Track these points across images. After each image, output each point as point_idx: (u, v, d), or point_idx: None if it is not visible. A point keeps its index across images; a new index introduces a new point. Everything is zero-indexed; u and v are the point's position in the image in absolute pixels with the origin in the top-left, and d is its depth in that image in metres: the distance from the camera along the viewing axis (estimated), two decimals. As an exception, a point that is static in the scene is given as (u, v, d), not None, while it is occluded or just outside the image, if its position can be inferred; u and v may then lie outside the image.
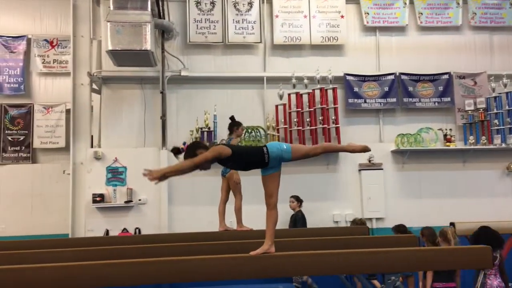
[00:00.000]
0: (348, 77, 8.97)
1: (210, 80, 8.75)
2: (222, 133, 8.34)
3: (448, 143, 8.87)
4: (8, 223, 8.51)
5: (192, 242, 4.85)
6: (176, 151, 3.93)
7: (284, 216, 7.62)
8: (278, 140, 8.52)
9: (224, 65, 8.83)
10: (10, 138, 8.99)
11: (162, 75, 8.38)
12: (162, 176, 3.63)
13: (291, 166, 8.46)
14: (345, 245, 4.40)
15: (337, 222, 8.54)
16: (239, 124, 6.11)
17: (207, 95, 8.69)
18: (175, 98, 8.66)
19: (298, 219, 7.79)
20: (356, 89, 8.95)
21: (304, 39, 8.90)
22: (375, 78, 9.03)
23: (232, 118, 6.21)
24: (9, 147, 8.96)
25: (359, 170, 8.77)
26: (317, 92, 8.60)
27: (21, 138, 9.03)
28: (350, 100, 8.94)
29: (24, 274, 3.45)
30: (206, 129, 8.33)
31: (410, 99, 9.05)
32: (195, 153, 3.74)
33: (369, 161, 8.76)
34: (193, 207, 8.11)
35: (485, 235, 5.22)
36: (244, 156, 3.89)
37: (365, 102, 8.97)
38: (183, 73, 8.53)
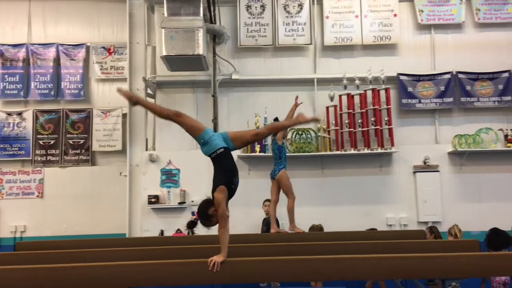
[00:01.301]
0: (402, 77, 8.75)
1: (261, 83, 8.80)
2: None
3: (509, 144, 8.45)
4: (69, 223, 8.93)
5: (243, 244, 4.89)
6: (193, 225, 3.95)
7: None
8: (329, 143, 8.44)
9: (274, 68, 8.86)
10: (71, 142, 9.43)
11: (214, 79, 8.52)
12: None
13: (342, 167, 8.47)
14: (400, 249, 4.29)
15: (390, 225, 8.34)
16: None
17: (258, 97, 8.75)
18: (226, 101, 8.78)
19: (270, 223, 7.57)
20: (410, 89, 8.72)
21: (355, 39, 8.77)
22: (430, 77, 8.75)
23: (276, 119, 6.26)
24: (70, 150, 9.40)
25: (414, 172, 8.53)
26: (369, 93, 8.45)
27: (81, 142, 9.45)
28: (404, 101, 8.72)
29: (84, 272, 3.60)
30: (257, 132, 8.35)
31: (468, 99, 8.70)
32: (208, 215, 3.78)
33: (425, 163, 8.50)
34: (245, 209, 8.16)
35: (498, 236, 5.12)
36: (230, 172, 3.96)
37: (419, 102, 8.72)
38: (234, 77, 8.64)
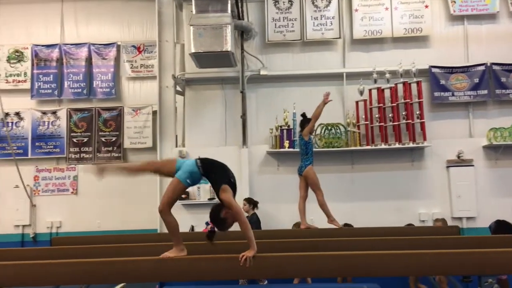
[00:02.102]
0: (434, 70, 8.55)
1: (289, 78, 8.76)
2: (302, 131, 8.34)
3: (547, 137, 8.16)
4: (102, 219, 9.14)
5: (274, 239, 4.89)
6: (212, 235, 3.94)
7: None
8: (359, 138, 8.34)
9: (302, 63, 8.81)
10: (103, 139, 9.63)
11: (242, 75, 8.54)
12: None
13: (373, 163, 8.36)
14: (435, 245, 4.21)
15: (423, 221, 8.19)
16: (309, 120, 6.06)
17: (286, 93, 8.71)
18: (254, 97, 8.78)
19: (251, 223, 7.42)
20: (442, 81, 8.51)
21: (385, 32, 8.63)
22: (464, 69, 8.52)
23: (303, 115, 6.22)
24: (102, 148, 9.59)
25: (447, 167, 8.34)
26: (400, 86, 8.30)
27: (113, 139, 9.64)
28: (436, 94, 8.52)
29: (118, 267, 3.67)
30: (286, 127, 8.35)
31: (503, 91, 8.44)
32: (222, 219, 3.79)
33: (458, 157, 8.30)
34: (275, 205, 8.17)
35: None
36: (222, 169, 3.99)
37: (452, 95, 8.50)
38: (262, 72, 8.63)
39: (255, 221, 7.48)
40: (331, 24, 8.67)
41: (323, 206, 5.93)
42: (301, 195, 6.10)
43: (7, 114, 9.43)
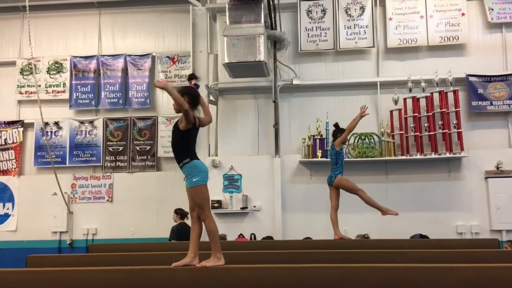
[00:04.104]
0: (471, 78, 8.35)
1: (322, 87, 8.73)
2: (335, 141, 8.27)
3: None
4: (137, 226, 9.27)
5: (305, 249, 4.85)
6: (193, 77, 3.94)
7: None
8: (394, 148, 8.20)
9: (335, 72, 8.76)
10: (138, 148, 9.81)
11: (275, 85, 8.56)
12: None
13: (408, 173, 8.19)
14: (473, 259, 4.07)
15: (461, 233, 7.96)
16: (342, 130, 6.01)
17: (319, 102, 8.68)
18: (287, 107, 8.78)
19: (174, 231, 7.64)
20: (480, 90, 8.30)
21: (420, 41, 8.49)
22: (503, 78, 8.29)
23: (336, 125, 6.18)
24: (137, 156, 9.77)
25: (486, 178, 8.09)
26: (436, 96, 8.13)
27: (147, 148, 9.80)
28: (474, 103, 8.31)
29: (155, 275, 3.69)
30: (318, 137, 8.31)
31: (545, 100, 8.15)
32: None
33: (497, 168, 8.04)
34: (307, 214, 8.12)
35: None
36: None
37: (491, 104, 8.28)
38: (295, 82, 8.63)
39: (173, 230, 7.67)
40: (365, 33, 8.60)
41: (370, 201, 5.89)
42: (332, 205, 6.05)
43: (46, 124, 9.73)
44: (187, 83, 9.33)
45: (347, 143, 8.23)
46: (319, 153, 8.24)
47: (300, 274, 3.54)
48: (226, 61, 7.67)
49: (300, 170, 8.49)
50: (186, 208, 4.23)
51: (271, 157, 8.50)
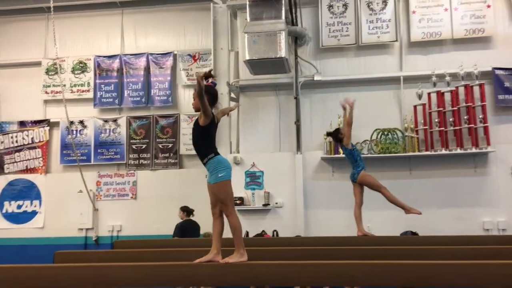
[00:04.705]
0: (498, 71, 8.15)
1: (344, 83, 8.65)
2: (357, 136, 8.20)
3: None
4: (160, 223, 9.36)
5: (328, 246, 4.83)
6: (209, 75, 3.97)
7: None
8: (418, 143, 8.08)
9: (357, 67, 8.67)
10: (160, 146, 9.91)
11: (296, 81, 8.52)
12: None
13: (432, 169, 8.06)
14: (500, 255, 3.98)
15: (487, 230, 7.79)
16: (339, 130, 6.33)
17: (341, 98, 8.55)
18: (308, 103, 8.74)
19: (178, 227, 7.91)
20: (507, 84, 8.10)
21: (445, 34, 8.33)
22: (530, 70, 8.07)
23: (329, 133, 6.32)
24: (160, 154, 9.87)
25: (513, 173, 7.91)
26: (461, 90, 7.97)
27: (170, 146, 9.89)
28: (500, 97, 8.12)
29: (177, 270, 3.73)
30: (341, 133, 8.23)
31: None
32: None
33: (525, 163, 7.85)
34: (330, 211, 8.07)
35: None
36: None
37: (518, 97, 8.07)
38: (316, 78, 8.57)
39: (177, 227, 7.92)
40: (387, 27, 8.48)
41: (393, 201, 5.86)
42: (356, 202, 6.02)
43: (72, 123, 9.91)
44: (204, 82, 9.43)
45: (369, 139, 8.15)
46: (341, 149, 8.16)
47: (323, 271, 3.52)
48: (247, 58, 7.67)
49: (322, 167, 8.44)
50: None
51: (293, 153, 8.48)
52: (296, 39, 8.60)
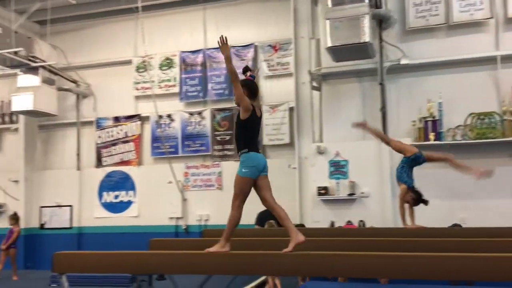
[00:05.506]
0: None
1: (433, 65, 8.16)
2: (449, 122, 7.74)
3: None
4: (245, 213, 9.47)
5: (416, 238, 4.65)
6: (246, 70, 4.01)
7: None
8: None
9: (448, 48, 8.13)
10: (244, 137, 10.04)
11: (381, 66, 8.19)
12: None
13: (465, 157, 7.39)
14: None
15: None
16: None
17: (430, 82, 8.14)
18: (394, 88, 8.36)
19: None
20: None
21: (549, 6, 7.55)
22: None
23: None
24: (243, 145, 10.00)
25: None
26: None
27: (253, 136, 9.98)
28: None
29: (261, 259, 3.75)
30: (431, 118, 7.82)
31: None
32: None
33: None
34: (435, 201, 7.69)
35: None
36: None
37: None
38: (403, 62, 8.17)
39: (259, 215, 7.88)
40: (481, 3, 7.86)
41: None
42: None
43: (160, 117, 10.38)
44: (286, 72, 9.46)
45: (463, 125, 7.66)
46: (431, 135, 7.75)
47: (398, 263, 3.38)
48: (329, 45, 7.50)
49: (412, 155, 8.04)
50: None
51: (379, 141, 8.16)
52: (381, 22, 8.24)
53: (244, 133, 3.93)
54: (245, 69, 4.05)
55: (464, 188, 7.32)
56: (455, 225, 6.79)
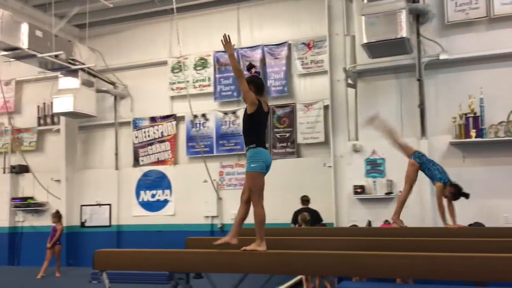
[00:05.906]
0: None
1: (474, 60, 7.88)
2: (491, 118, 7.47)
3: None
4: (278, 212, 9.45)
5: (452, 238, 4.53)
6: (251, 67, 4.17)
7: None
8: None
9: (489, 42, 7.83)
10: (278, 136, 10.03)
11: (419, 62, 7.97)
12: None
13: (509, 154, 7.10)
14: None
15: None
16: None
17: (471, 77, 7.86)
18: (433, 84, 8.13)
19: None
20: None
21: None
22: None
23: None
24: (277, 144, 10.00)
25: None
26: None
27: (287, 135, 9.97)
28: None
29: (295, 259, 3.73)
30: (472, 115, 7.56)
31: None
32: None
33: None
34: (461, 199, 7.46)
35: None
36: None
37: None
38: (442, 57, 7.93)
39: (294, 214, 8.34)
40: (525, -7, 7.53)
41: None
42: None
43: (195, 116, 10.49)
44: (320, 69, 9.37)
45: (506, 121, 7.37)
46: (473, 132, 7.49)
47: (435, 263, 3.32)
48: (365, 41, 7.36)
49: (451, 152, 7.82)
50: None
51: (417, 139, 7.96)
52: (418, 17, 8.02)
53: (251, 127, 4.03)
54: (250, 66, 4.23)
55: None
56: (476, 223, 6.58)
